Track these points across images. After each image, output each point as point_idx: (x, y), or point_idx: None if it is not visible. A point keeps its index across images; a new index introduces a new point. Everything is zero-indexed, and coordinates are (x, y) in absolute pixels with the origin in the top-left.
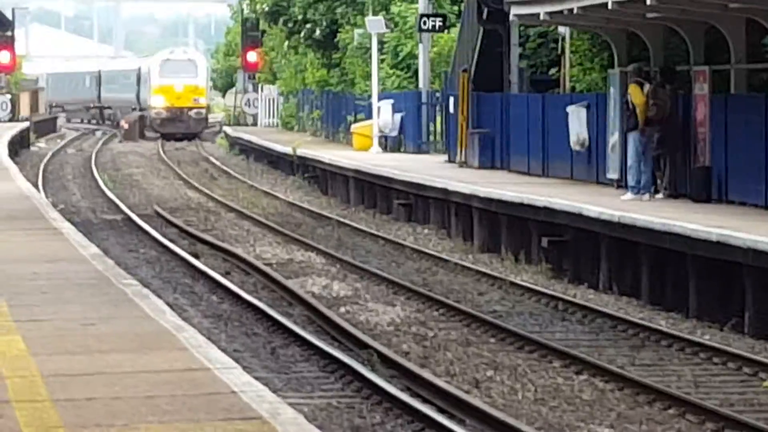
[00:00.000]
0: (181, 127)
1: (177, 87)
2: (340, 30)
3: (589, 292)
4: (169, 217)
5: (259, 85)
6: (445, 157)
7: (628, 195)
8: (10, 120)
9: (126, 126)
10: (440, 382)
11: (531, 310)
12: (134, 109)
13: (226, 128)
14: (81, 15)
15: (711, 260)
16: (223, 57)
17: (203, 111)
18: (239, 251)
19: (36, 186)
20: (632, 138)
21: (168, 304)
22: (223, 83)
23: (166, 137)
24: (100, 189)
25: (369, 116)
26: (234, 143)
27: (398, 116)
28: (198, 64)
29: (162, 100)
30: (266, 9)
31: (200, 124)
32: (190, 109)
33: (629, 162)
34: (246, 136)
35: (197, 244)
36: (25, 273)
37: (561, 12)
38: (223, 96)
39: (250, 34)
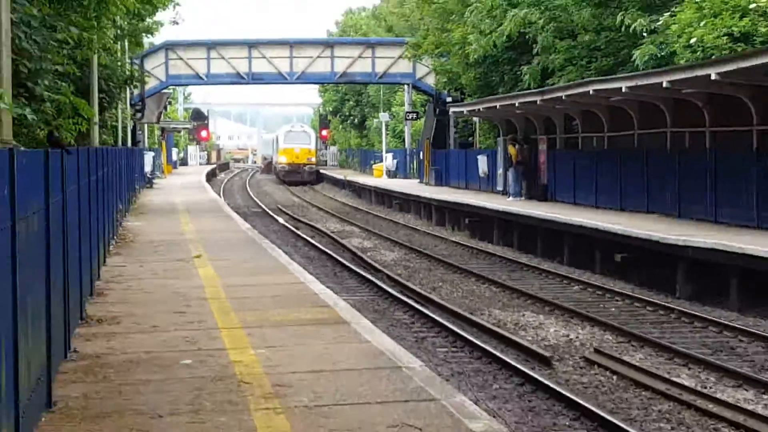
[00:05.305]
0: (297, 177)
1: (296, 150)
2: (366, 119)
3: (489, 246)
4: (284, 209)
5: (327, 146)
6: (418, 179)
7: (511, 198)
8: (207, 163)
9: (263, 165)
10: (416, 287)
11: (460, 253)
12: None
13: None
14: (243, 112)
15: (544, 227)
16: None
17: (314, 167)
18: (318, 225)
19: (219, 195)
20: (511, 171)
21: (284, 252)
22: None
23: (288, 184)
24: (252, 197)
25: (381, 161)
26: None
27: (395, 161)
28: (310, 135)
29: (285, 158)
30: (331, 109)
31: (311, 175)
32: (304, 165)
33: (510, 182)
34: (321, 170)
35: (297, 222)
36: (214, 238)
37: (475, 110)
38: None
39: (323, 121)
